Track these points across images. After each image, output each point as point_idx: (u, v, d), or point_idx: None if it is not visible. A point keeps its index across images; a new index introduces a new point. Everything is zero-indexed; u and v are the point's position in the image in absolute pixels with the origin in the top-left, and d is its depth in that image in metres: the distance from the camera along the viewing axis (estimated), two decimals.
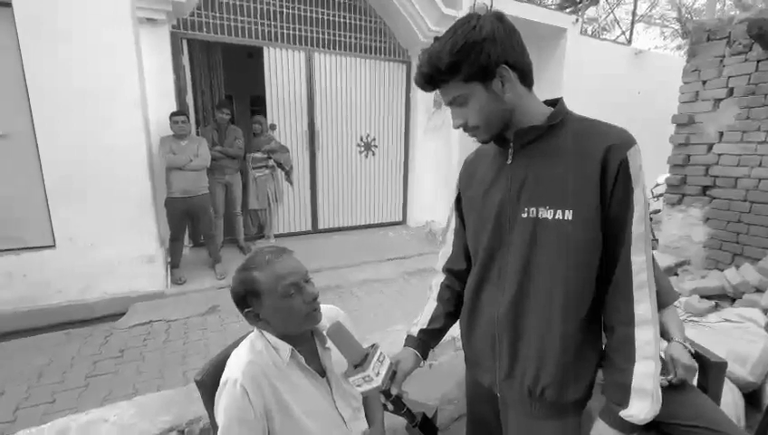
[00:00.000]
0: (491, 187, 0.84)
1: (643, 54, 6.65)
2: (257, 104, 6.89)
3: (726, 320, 2.25)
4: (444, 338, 1.04)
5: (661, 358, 1.33)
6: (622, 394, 0.75)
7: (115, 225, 3.24)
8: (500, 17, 0.73)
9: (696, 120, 3.16)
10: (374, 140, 5.18)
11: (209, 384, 0.94)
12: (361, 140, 5.10)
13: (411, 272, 4.22)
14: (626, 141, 0.73)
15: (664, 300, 1.40)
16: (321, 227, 5.03)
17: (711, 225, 3.10)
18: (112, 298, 3.26)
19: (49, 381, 2.37)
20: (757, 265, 2.65)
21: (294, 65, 4.44)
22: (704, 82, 3.10)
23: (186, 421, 1.18)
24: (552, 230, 0.76)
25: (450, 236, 1.02)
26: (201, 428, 1.18)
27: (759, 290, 2.52)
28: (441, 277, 1.03)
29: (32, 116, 2.93)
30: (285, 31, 4.34)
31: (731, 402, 1.68)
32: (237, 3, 4.04)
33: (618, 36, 7.49)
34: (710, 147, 3.08)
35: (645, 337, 0.74)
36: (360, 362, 0.83)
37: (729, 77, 2.93)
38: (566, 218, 0.74)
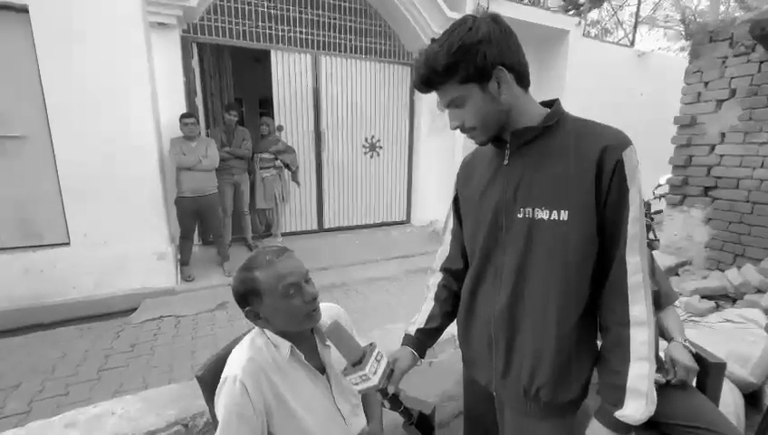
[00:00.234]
0: (488, 187, 0.85)
1: (646, 56, 6.64)
2: (265, 106, 6.98)
3: (727, 320, 2.25)
4: (444, 336, 1.04)
5: (661, 358, 1.34)
6: (617, 395, 0.76)
7: (127, 223, 3.33)
8: (496, 19, 0.72)
9: (699, 120, 3.16)
10: (379, 140, 5.24)
11: (210, 380, 0.94)
12: (366, 140, 5.15)
13: (415, 270, 4.26)
14: (621, 142, 0.73)
15: (664, 301, 1.42)
16: (326, 226, 5.09)
17: (713, 225, 3.10)
18: (124, 294, 3.34)
19: (63, 374, 2.44)
20: (759, 265, 2.66)
21: (301, 68, 4.51)
22: (706, 84, 3.10)
23: (190, 415, 1.20)
24: (547, 231, 0.76)
25: (448, 237, 1.02)
26: (205, 422, 1.19)
27: (760, 291, 2.52)
28: (438, 277, 1.03)
29: (47, 118, 3.02)
30: (292, 34, 4.41)
31: (731, 403, 1.68)
32: (246, 7, 4.11)
33: (621, 38, 7.45)
34: (712, 148, 3.08)
35: (640, 338, 0.74)
36: (357, 360, 0.84)
37: (731, 78, 2.93)
38: (562, 219, 0.74)
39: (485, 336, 0.88)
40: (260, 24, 4.21)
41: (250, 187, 4.23)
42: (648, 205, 5.06)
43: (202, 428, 1.19)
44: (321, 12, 4.50)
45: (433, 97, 0.81)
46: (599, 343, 0.83)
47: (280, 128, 4.48)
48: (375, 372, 0.83)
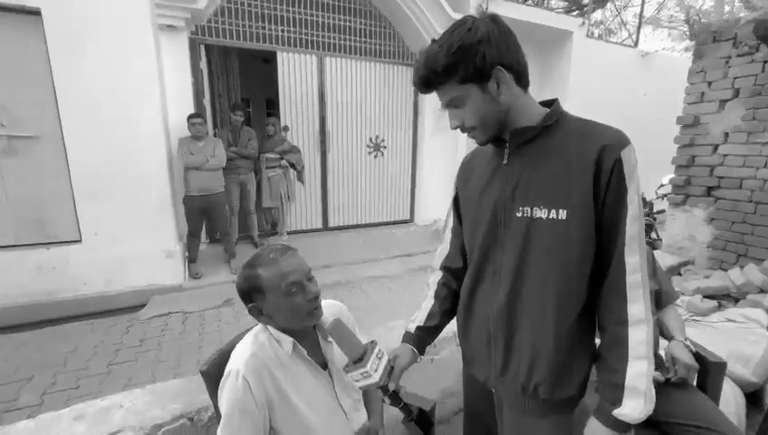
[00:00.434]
0: (487, 186, 0.85)
1: (650, 56, 6.61)
2: (272, 107, 7.05)
3: (729, 320, 2.24)
4: (445, 333, 1.05)
5: (661, 356, 1.34)
6: (615, 393, 0.75)
7: (137, 221, 3.39)
8: (495, 19, 0.72)
9: (702, 120, 3.15)
10: (383, 140, 5.27)
11: (214, 375, 0.95)
12: (371, 140, 5.19)
13: (417, 269, 4.29)
14: (620, 141, 0.72)
15: (665, 299, 1.42)
16: (331, 224, 5.14)
17: (715, 225, 3.09)
18: (133, 291, 3.40)
19: (74, 367, 2.49)
20: (762, 265, 2.64)
21: (306, 69, 4.56)
22: (709, 84, 3.09)
23: (195, 409, 1.21)
24: (545, 230, 0.76)
25: (448, 235, 1.03)
26: (209, 416, 1.20)
27: (763, 291, 2.51)
28: (438, 275, 1.03)
29: (60, 118, 3.09)
30: (298, 36, 4.46)
31: (732, 402, 1.67)
32: (252, 9, 4.17)
33: (624, 39, 7.42)
34: (715, 148, 3.07)
35: (638, 337, 0.74)
36: (358, 358, 0.85)
37: (735, 78, 2.92)
38: (560, 218, 0.74)
39: (484, 334, 0.88)
40: (266, 25, 4.27)
41: (256, 186, 4.29)
42: (650, 204, 5.05)
43: (206, 422, 1.20)
44: (326, 14, 4.55)
45: (436, 97, 0.83)
46: (597, 341, 0.83)
47: (286, 128, 4.53)
48: (376, 370, 0.84)
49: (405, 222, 5.68)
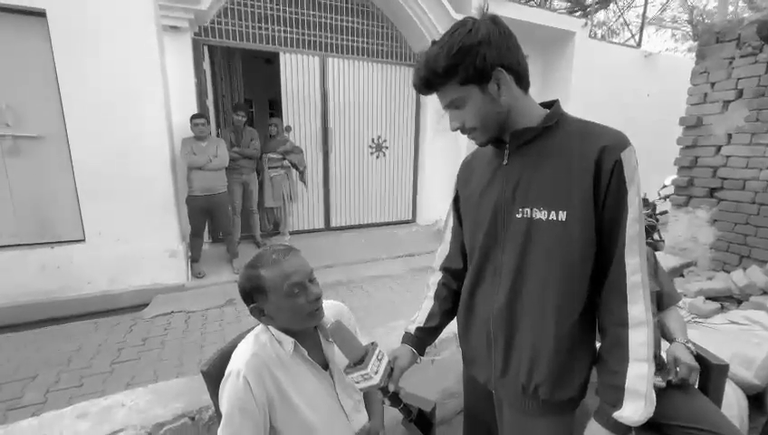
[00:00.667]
0: (487, 187, 0.85)
1: (653, 57, 6.59)
2: (274, 108, 7.07)
3: (732, 322, 2.22)
4: (445, 334, 1.05)
5: (663, 358, 1.34)
6: (616, 395, 0.75)
7: (140, 221, 3.41)
8: (495, 20, 0.72)
9: (705, 121, 3.13)
10: (385, 141, 5.28)
11: (215, 375, 0.95)
12: (373, 141, 5.20)
13: (419, 269, 4.30)
14: (620, 142, 0.72)
15: (667, 301, 1.42)
16: (333, 224, 5.15)
17: (718, 226, 3.08)
18: (137, 290, 3.42)
19: (77, 366, 2.51)
20: (765, 267, 2.64)
21: (309, 70, 4.57)
22: (712, 84, 3.08)
23: (197, 408, 1.22)
24: (545, 231, 0.76)
25: (448, 236, 1.02)
26: (210, 415, 1.21)
27: (766, 293, 2.50)
28: (438, 276, 1.03)
29: (64, 119, 3.11)
30: (300, 37, 4.47)
31: (735, 404, 1.66)
32: (255, 10, 4.18)
33: (627, 39, 7.40)
34: (718, 149, 3.06)
35: (639, 339, 0.74)
36: (359, 360, 0.85)
37: (738, 79, 2.90)
38: (560, 219, 0.74)
39: (484, 334, 0.88)
40: (269, 26, 4.28)
41: (259, 186, 4.30)
42: (653, 206, 5.03)
43: (208, 421, 1.21)
44: (328, 15, 4.56)
45: (437, 98, 0.83)
46: (598, 343, 0.83)
47: (288, 128, 4.54)
48: (377, 372, 0.84)
49: (407, 222, 5.68)
